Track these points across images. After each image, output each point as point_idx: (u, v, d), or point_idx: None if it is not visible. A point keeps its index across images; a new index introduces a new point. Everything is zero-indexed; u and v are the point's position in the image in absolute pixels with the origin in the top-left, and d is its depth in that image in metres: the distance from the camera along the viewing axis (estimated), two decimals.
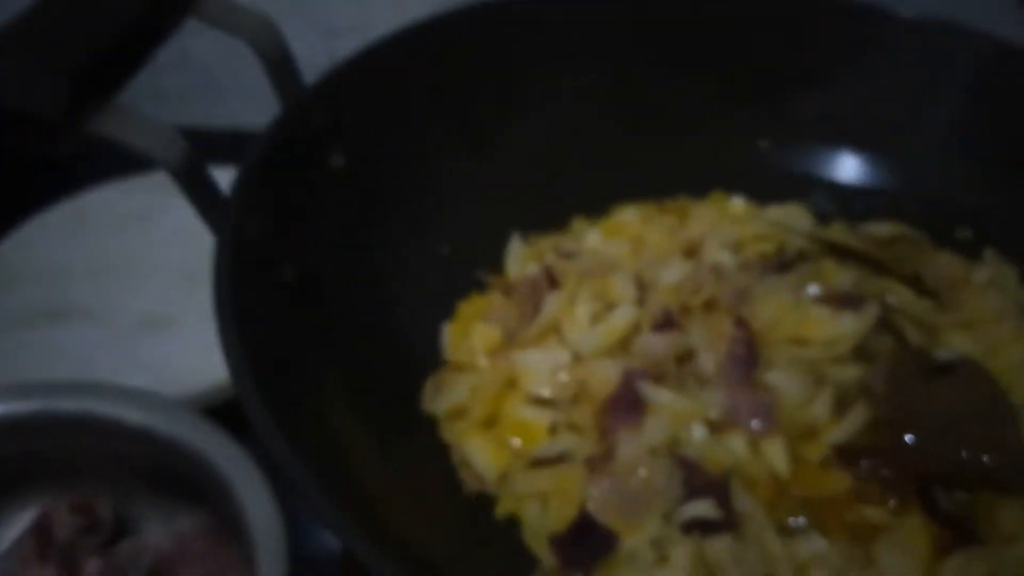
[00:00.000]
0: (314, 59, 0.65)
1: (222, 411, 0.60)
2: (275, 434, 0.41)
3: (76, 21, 0.45)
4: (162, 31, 0.51)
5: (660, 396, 0.58)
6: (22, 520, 0.62)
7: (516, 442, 0.59)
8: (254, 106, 0.59)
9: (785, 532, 0.55)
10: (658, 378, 0.60)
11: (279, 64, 0.57)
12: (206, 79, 1.05)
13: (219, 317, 0.46)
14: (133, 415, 0.59)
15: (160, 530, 0.64)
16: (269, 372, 0.45)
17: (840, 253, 0.70)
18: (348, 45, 0.66)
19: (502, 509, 0.57)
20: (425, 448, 0.60)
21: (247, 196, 0.51)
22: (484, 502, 0.58)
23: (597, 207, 0.76)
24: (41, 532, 0.61)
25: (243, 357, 0.44)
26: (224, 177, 0.52)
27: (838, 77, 0.77)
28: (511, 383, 0.62)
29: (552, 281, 0.67)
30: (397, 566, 0.37)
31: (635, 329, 0.63)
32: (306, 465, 0.40)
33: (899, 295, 0.67)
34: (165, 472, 0.61)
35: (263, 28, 0.56)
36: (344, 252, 0.61)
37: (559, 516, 0.55)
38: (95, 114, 0.45)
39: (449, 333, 0.67)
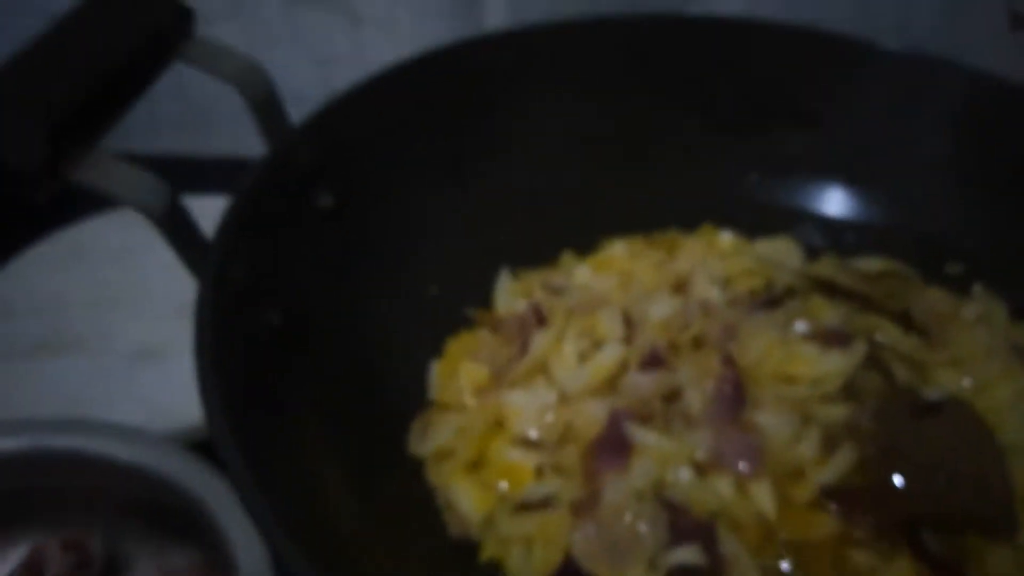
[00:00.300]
0: (307, 88, 0.64)
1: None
2: (244, 476, 0.40)
3: (55, 72, 0.44)
4: (147, 77, 0.50)
5: (646, 438, 0.57)
6: (13, 557, 0.61)
7: (502, 485, 0.58)
8: (249, 135, 0.58)
9: None
10: (645, 418, 0.59)
11: (265, 106, 0.56)
12: (201, 108, 1.04)
13: (198, 362, 0.45)
14: (123, 452, 0.59)
15: (151, 567, 0.63)
16: (246, 416, 0.44)
17: (829, 289, 0.69)
18: (341, 73, 0.65)
19: (486, 554, 0.56)
20: (409, 491, 0.59)
21: (231, 241, 0.50)
22: (467, 547, 0.57)
23: (586, 241, 0.75)
24: (32, 569, 0.60)
25: (218, 401, 0.43)
26: (217, 206, 0.52)
27: (826, 111, 0.76)
28: (498, 423, 0.61)
29: (540, 318, 0.66)
30: None
31: (622, 367, 0.62)
32: (274, 509, 0.39)
33: (888, 332, 0.66)
34: (156, 509, 0.60)
35: (249, 71, 0.55)
36: (331, 293, 0.60)
37: (543, 562, 0.54)
38: (75, 162, 0.44)
39: (437, 371, 0.66)
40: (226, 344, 0.46)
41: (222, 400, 0.43)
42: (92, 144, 0.46)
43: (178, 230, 0.48)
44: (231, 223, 0.51)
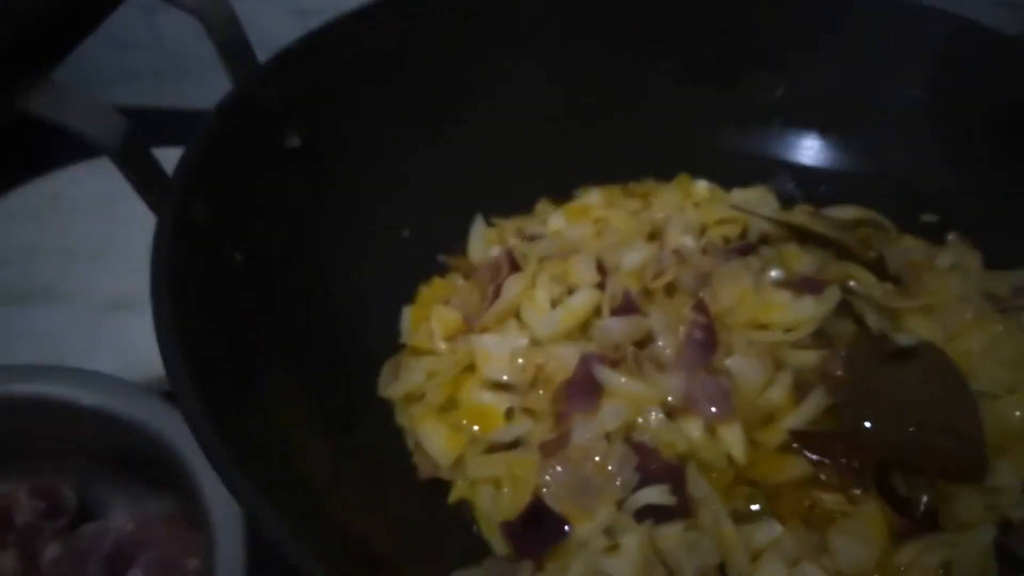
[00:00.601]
0: (285, 38, 0.62)
1: None
2: (204, 424, 0.38)
3: None
4: (104, 5, 0.48)
5: (616, 381, 0.56)
6: None
7: (473, 427, 0.57)
8: (228, 87, 0.56)
9: (740, 518, 0.53)
10: (616, 363, 0.57)
11: (231, 42, 0.54)
12: (178, 59, 1.02)
13: (154, 302, 0.43)
14: (89, 398, 0.57)
15: (125, 514, 0.62)
16: (207, 361, 0.43)
17: (803, 236, 0.68)
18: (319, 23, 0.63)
19: (455, 495, 0.55)
20: (379, 435, 0.58)
21: (191, 178, 0.48)
22: (437, 489, 0.56)
23: (562, 190, 0.74)
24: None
25: (177, 345, 0.41)
26: None
27: (804, 60, 0.75)
28: (469, 367, 0.60)
29: (513, 264, 0.64)
30: (327, 566, 0.35)
31: (595, 313, 0.61)
32: (236, 458, 0.38)
33: (861, 279, 0.65)
34: (130, 457, 0.59)
35: (213, 2, 0.52)
36: (300, 235, 0.59)
37: (512, 502, 0.53)
38: (28, 92, 0.42)
39: (409, 316, 0.65)
40: (185, 284, 0.45)
41: (179, 341, 0.42)
42: (46, 74, 0.43)
43: (136, 165, 0.46)
44: (192, 160, 0.49)
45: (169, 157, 0.48)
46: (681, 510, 0.52)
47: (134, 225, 0.81)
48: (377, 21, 0.64)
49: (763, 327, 0.60)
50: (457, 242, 0.70)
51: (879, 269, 0.65)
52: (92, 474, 0.62)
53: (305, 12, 0.97)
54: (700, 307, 0.59)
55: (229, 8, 0.53)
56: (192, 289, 0.46)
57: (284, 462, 0.47)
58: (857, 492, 0.54)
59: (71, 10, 0.44)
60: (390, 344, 0.63)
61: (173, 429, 0.55)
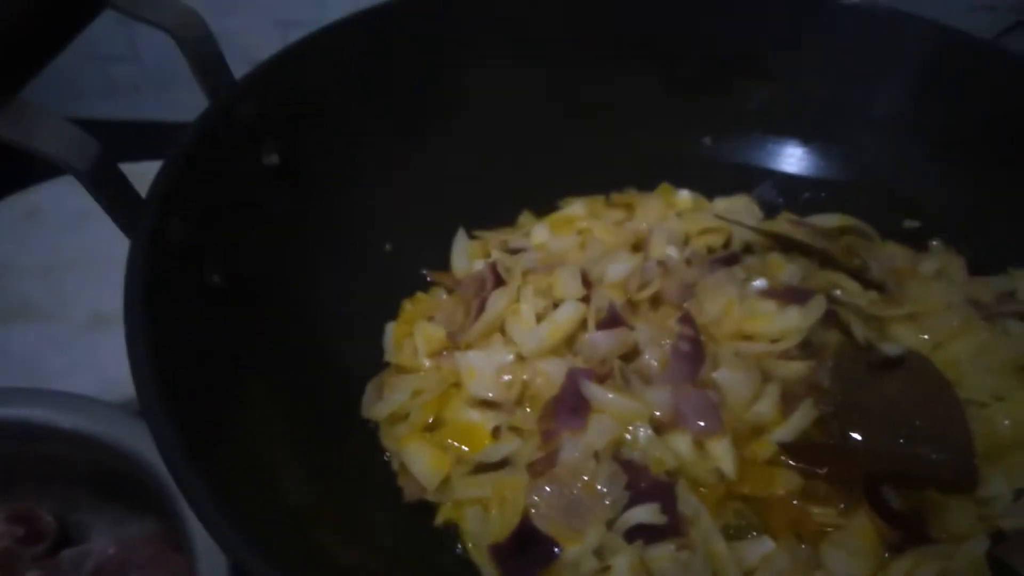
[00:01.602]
0: (267, 50, 0.60)
1: None
2: (172, 448, 0.36)
3: None
4: (72, 24, 0.45)
5: (604, 397, 0.54)
6: None
7: (459, 447, 0.55)
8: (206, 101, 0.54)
9: (732, 535, 0.51)
10: (603, 377, 0.55)
11: (206, 58, 0.51)
12: (157, 72, 0.99)
13: (127, 325, 0.40)
14: (68, 420, 0.55)
15: (107, 537, 0.59)
16: (182, 385, 0.40)
17: (786, 245, 0.66)
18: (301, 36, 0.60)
19: (441, 517, 0.53)
20: (363, 456, 0.55)
21: (165, 198, 0.45)
22: (423, 511, 0.53)
23: (544, 202, 0.72)
24: None
25: (149, 368, 0.39)
26: None
27: (786, 68, 0.73)
28: (455, 385, 0.58)
29: (498, 278, 0.62)
30: None
31: (580, 326, 0.59)
32: (207, 481, 0.35)
33: (846, 288, 0.63)
34: (110, 479, 0.56)
35: (187, 19, 0.50)
36: (279, 253, 0.56)
37: (500, 524, 0.51)
38: None
39: (392, 333, 0.63)
40: (160, 306, 0.42)
41: (152, 365, 0.39)
42: (11, 93, 0.40)
43: (107, 188, 0.43)
44: (166, 179, 0.46)
45: (147, 171, 0.45)
46: (672, 528, 0.49)
47: (113, 241, 0.79)
48: (355, 35, 0.62)
49: (749, 338, 0.59)
50: (440, 256, 0.68)
51: (863, 277, 0.64)
52: (72, 497, 0.59)
53: (287, 24, 0.95)
54: (686, 319, 0.57)
55: (203, 25, 0.50)
56: (167, 311, 0.43)
57: (264, 490, 0.44)
58: (848, 504, 0.52)
59: (38, 30, 0.42)
60: (373, 363, 0.61)
61: (154, 451, 0.53)
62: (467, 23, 0.67)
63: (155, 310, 0.42)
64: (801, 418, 0.54)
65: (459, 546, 0.52)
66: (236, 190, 0.53)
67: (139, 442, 0.53)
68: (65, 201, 0.84)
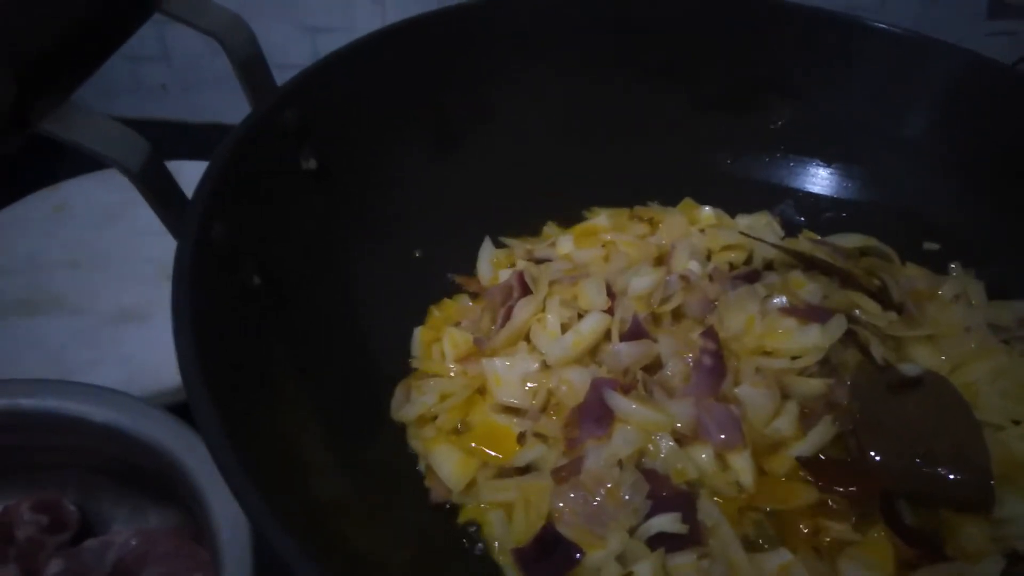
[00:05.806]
0: (297, 56, 0.61)
1: None
2: (219, 438, 0.37)
3: (25, 17, 0.40)
4: (124, 28, 0.47)
5: (628, 407, 0.54)
6: None
7: (485, 451, 0.56)
8: (235, 101, 0.55)
9: (751, 546, 0.51)
10: (626, 388, 0.56)
11: (250, 62, 0.53)
12: (187, 73, 1.00)
13: (175, 322, 0.41)
14: (98, 413, 0.55)
15: (129, 528, 0.60)
16: (223, 377, 0.41)
17: (808, 264, 0.66)
18: (331, 42, 0.62)
19: (464, 515, 0.54)
20: (391, 456, 0.56)
21: (210, 201, 0.46)
22: (449, 513, 0.54)
23: (568, 212, 0.73)
24: (0, 531, 0.57)
25: (196, 363, 0.39)
26: (202, 170, 0.48)
27: (810, 88, 0.74)
28: (481, 390, 0.59)
29: (525, 287, 0.63)
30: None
31: (604, 337, 0.60)
32: (249, 473, 0.36)
33: (866, 308, 0.63)
34: (132, 470, 0.57)
35: (233, 24, 0.51)
36: (314, 256, 0.57)
37: (524, 528, 0.52)
38: (47, 113, 0.40)
39: (420, 338, 0.63)
40: (204, 304, 0.43)
41: (199, 361, 0.40)
42: (65, 95, 0.42)
43: (156, 187, 0.44)
44: (211, 182, 0.47)
45: (174, 170, 0.46)
46: (692, 537, 0.50)
47: (138, 237, 0.81)
48: (391, 45, 0.63)
49: (769, 354, 0.59)
50: (466, 263, 0.69)
51: (883, 298, 0.64)
52: (95, 488, 0.60)
53: (315, 29, 0.96)
54: (709, 334, 0.58)
55: (248, 30, 0.52)
56: (211, 310, 0.44)
57: (297, 480, 0.45)
58: (864, 520, 0.53)
59: (92, 34, 0.43)
60: (402, 364, 0.62)
61: (179, 443, 0.53)
62: (499, 40, 0.69)
63: (200, 308, 0.43)
64: (819, 435, 0.55)
65: (480, 545, 0.53)
66: (275, 194, 0.54)
67: (165, 435, 0.54)
68: (92, 197, 0.86)
